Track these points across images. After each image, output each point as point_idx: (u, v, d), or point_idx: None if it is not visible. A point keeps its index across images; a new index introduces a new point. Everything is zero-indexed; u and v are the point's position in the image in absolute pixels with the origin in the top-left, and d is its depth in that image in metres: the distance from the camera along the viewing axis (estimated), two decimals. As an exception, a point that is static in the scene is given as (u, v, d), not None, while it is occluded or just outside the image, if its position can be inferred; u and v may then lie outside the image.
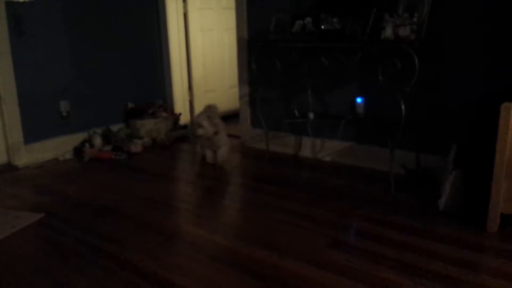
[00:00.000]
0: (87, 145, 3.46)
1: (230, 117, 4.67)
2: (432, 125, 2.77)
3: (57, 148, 3.45)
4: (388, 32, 2.59)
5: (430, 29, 2.58)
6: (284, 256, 1.92)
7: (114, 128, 3.76)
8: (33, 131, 3.33)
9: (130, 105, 3.95)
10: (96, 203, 2.57)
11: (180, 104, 4.42)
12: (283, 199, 2.58)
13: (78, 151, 3.48)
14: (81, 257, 1.97)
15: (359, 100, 2.99)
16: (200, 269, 1.86)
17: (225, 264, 1.88)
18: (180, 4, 4.30)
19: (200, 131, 3.00)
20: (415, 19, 2.51)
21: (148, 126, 3.82)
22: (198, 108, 4.54)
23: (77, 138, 3.55)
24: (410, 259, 1.87)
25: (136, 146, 3.58)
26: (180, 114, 4.23)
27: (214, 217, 2.41)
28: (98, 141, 3.50)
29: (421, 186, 2.65)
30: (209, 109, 3.21)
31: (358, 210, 2.39)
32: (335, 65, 3.01)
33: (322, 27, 2.85)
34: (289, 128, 3.43)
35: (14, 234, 2.20)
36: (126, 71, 3.96)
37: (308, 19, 2.92)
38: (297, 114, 3.33)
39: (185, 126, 4.21)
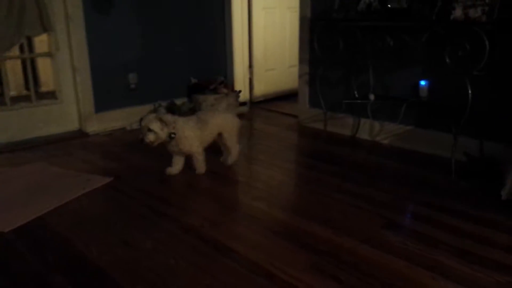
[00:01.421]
0: (152, 116, 3.62)
1: (288, 96, 4.70)
2: (498, 112, 2.67)
3: (125, 118, 3.63)
4: (458, 12, 2.50)
5: (502, 11, 2.46)
6: (339, 233, 1.95)
7: (178, 101, 3.90)
8: (103, 101, 3.53)
9: (193, 80, 4.07)
10: (160, 171, 2.70)
11: (240, 81, 4.49)
12: (338, 178, 2.60)
13: (143, 122, 3.65)
14: (147, 219, 2.11)
15: (423, 82, 2.92)
16: (257, 239, 1.93)
17: (281, 237, 1.94)
18: (245, -18, 4.34)
19: (150, 137, 2.41)
20: (487, 0, 2.41)
21: (209, 101, 3.92)
22: (258, 86, 4.61)
23: (144, 109, 3.72)
24: (469, 246, 1.84)
25: (197, 120, 3.70)
26: (240, 91, 4.30)
27: (271, 191, 2.47)
28: (162, 113, 3.63)
29: (484, 174, 2.57)
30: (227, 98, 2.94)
31: (416, 194, 2.36)
32: (400, 46, 2.95)
33: (389, 5, 2.79)
34: (348, 109, 3.41)
35: (84, 195, 2.37)
36: (191, 47, 4.07)
37: (375, -2, 2.87)
38: (356, 95, 3.30)
39: (244, 103, 4.29)
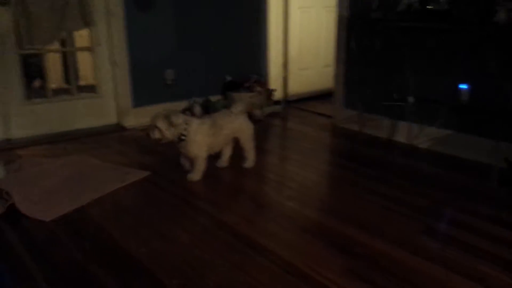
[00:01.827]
0: (187, 113, 3.66)
1: (322, 96, 4.67)
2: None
3: (161, 113, 3.69)
4: (501, 15, 2.43)
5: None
6: (375, 236, 1.93)
7: (213, 99, 3.93)
8: (140, 96, 3.60)
9: (228, 78, 4.10)
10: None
11: (275, 80, 4.49)
12: (373, 181, 2.57)
13: (178, 118, 3.70)
14: (183, 214, 2.13)
15: (464, 86, 2.85)
16: (291, 238, 1.93)
17: (315, 237, 1.94)
18: (282, -19, 4.34)
19: (156, 134, 2.39)
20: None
21: (243, 100, 3.93)
22: (292, 85, 4.60)
23: (179, 105, 3.76)
24: (509, 255, 1.79)
25: (232, 118, 3.72)
26: (274, 89, 4.30)
27: (304, 191, 2.46)
28: (197, 110, 3.69)
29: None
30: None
31: (455, 200, 2.31)
32: (441, 48, 2.89)
33: (429, 7, 2.74)
34: (384, 111, 3.35)
35: (123, 187, 2.42)
36: (226, 45, 4.09)
37: (416, -2, 2.83)
38: (394, 97, 3.25)
39: (278, 102, 4.29)
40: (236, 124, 2.59)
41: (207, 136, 2.46)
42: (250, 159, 2.73)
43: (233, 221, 2.05)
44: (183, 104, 3.79)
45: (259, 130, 3.62)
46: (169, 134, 2.39)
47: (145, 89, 3.63)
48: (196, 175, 2.52)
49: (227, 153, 2.71)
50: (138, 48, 3.52)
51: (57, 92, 3.62)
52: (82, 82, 4.27)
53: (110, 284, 1.59)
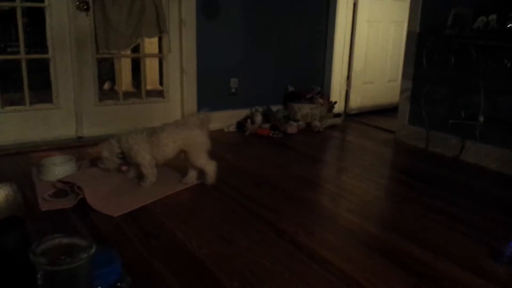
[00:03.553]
0: (249, 121, 3.73)
1: (384, 111, 4.59)
2: None
3: (224, 120, 3.76)
4: None
5: None
6: (439, 257, 1.86)
7: (274, 108, 3.96)
8: (205, 102, 3.68)
9: (290, 88, 4.12)
10: (255, 174, 2.77)
11: (336, 92, 4.45)
12: (438, 200, 2.48)
13: (240, 125, 3.77)
14: (242, 219, 2.16)
15: (540, 108, 2.71)
16: (351, 252, 1.90)
17: (377, 253, 1.90)
18: (352, -5, 4.32)
19: (105, 163, 2.46)
20: None
21: (304, 111, 3.94)
22: (354, 99, 4.55)
23: (241, 113, 3.83)
24: None
25: (292, 128, 3.74)
26: (335, 102, 4.28)
27: (365, 205, 2.42)
28: (259, 118, 3.74)
29: None
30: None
31: (526, 226, 2.20)
32: (518, 67, 2.76)
33: (509, 25, 2.64)
34: (452, 129, 3.24)
35: (186, 189, 2.49)
36: (291, 55, 4.12)
37: (493, 16, 2.73)
38: (463, 115, 3.13)
39: (338, 115, 4.26)
40: (182, 136, 2.46)
41: (145, 143, 2.43)
42: (210, 174, 2.52)
43: (292, 230, 2.05)
44: (244, 112, 3.85)
45: (318, 141, 3.63)
46: (110, 164, 2.47)
47: (210, 96, 3.72)
48: (145, 182, 2.47)
49: (191, 169, 2.57)
50: (206, 56, 3.63)
51: (125, 95, 3.79)
52: (148, 87, 4.46)
53: (172, 282, 1.64)
